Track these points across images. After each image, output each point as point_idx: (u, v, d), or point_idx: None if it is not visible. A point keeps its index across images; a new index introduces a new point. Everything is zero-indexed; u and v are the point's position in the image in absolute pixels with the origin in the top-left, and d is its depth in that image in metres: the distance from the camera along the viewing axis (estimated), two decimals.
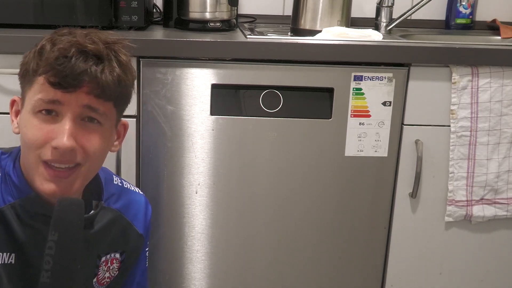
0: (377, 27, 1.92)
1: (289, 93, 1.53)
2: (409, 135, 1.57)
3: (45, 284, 0.97)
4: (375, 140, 1.56)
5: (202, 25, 1.71)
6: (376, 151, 1.57)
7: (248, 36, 1.56)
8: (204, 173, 1.56)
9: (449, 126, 1.56)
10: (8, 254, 1.02)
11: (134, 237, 1.20)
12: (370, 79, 1.52)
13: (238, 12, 1.83)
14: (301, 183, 1.58)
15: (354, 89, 1.53)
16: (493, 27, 2.06)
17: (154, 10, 1.92)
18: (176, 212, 1.59)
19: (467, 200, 1.61)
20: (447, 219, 1.62)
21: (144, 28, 1.67)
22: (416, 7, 1.89)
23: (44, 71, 0.96)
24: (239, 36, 1.61)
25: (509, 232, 1.66)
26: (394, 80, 1.53)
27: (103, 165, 1.11)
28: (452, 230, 1.64)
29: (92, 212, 1.08)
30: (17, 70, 1.04)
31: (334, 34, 1.62)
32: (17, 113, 1.05)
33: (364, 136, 1.56)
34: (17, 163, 1.04)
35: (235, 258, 1.63)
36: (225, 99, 1.53)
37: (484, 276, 1.69)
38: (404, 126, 1.57)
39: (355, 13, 1.86)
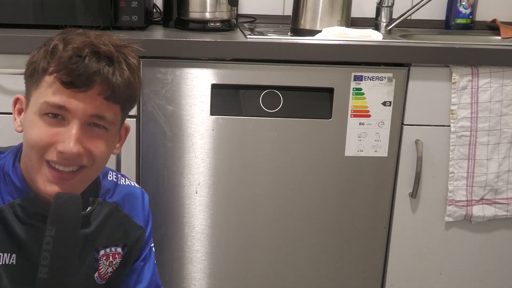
0: (377, 27, 1.92)
1: (289, 93, 1.53)
2: (409, 135, 1.57)
3: (43, 279, 0.96)
4: (375, 140, 1.56)
5: (202, 25, 1.71)
6: (376, 151, 1.57)
7: (248, 36, 1.56)
8: (204, 173, 1.56)
9: (449, 126, 1.56)
10: (9, 254, 1.02)
11: (134, 230, 1.19)
12: (370, 79, 1.52)
13: (238, 12, 1.83)
14: (301, 183, 1.58)
15: (354, 89, 1.53)
16: (493, 27, 2.06)
17: (154, 10, 1.91)
18: (176, 212, 1.59)
19: (467, 200, 1.61)
20: (447, 219, 1.62)
21: (144, 28, 1.67)
22: (416, 7, 1.89)
23: (56, 70, 0.95)
24: (239, 36, 1.61)
25: (509, 232, 1.66)
26: (394, 80, 1.53)
27: None
28: (452, 230, 1.64)
29: (89, 208, 1.07)
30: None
31: (334, 34, 1.62)
32: (20, 112, 1.04)
33: (364, 136, 1.56)
34: (17, 163, 1.04)
35: (235, 258, 1.63)
36: (225, 99, 1.53)
37: (484, 276, 1.69)
38: (404, 126, 1.57)
39: (355, 13, 1.86)
